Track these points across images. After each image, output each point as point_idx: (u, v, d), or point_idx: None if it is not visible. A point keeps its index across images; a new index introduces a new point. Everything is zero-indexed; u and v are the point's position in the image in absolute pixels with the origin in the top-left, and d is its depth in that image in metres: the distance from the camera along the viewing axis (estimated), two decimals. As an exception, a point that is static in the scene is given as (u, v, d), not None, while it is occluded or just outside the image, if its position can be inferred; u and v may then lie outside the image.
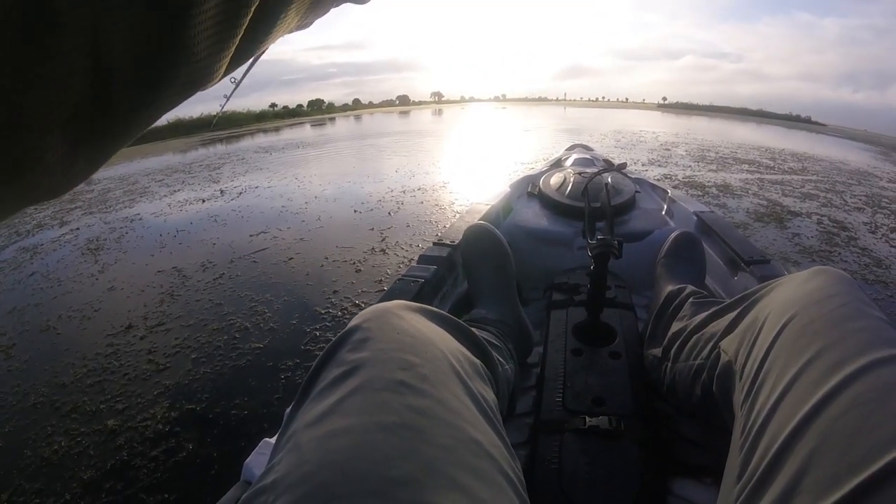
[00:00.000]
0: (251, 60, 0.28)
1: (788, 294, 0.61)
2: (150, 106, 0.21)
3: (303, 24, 0.30)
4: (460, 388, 0.48)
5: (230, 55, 0.24)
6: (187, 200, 7.51)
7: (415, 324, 0.54)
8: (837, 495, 0.37)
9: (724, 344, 0.70)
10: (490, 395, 0.53)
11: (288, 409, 0.78)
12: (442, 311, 0.61)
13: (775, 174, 8.32)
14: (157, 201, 7.82)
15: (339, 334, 0.52)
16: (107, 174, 14.47)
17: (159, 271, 4.29)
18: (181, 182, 9.81)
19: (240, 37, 0.24)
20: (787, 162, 10.40)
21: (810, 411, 0.44)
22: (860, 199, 6.46)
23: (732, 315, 0.72)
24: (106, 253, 5.12)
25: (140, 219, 6.63)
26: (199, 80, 0.23)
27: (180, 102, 0.23)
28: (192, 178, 10.29)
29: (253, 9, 0.23)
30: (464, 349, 0.56)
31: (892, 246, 4.39)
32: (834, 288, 0.58)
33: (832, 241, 4.42)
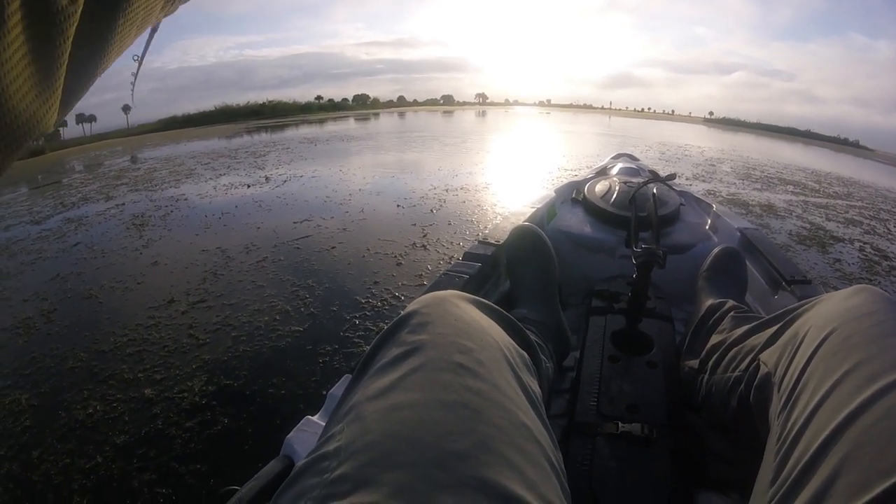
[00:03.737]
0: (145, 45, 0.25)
1: (830, 310, 0.63)
2: None
3: (168, 11, 0.29)
4: (511, 376, 0.50)
5: (59, 90, 0.22)
6: (232, 184, 7.64)
7: (470, 312, 0.56)
8: (866, 498, 0.39)
9: (763, 357, 0.71)
10: (536, 388, 0.54)
11: (330, 390, 0.79)
12: (493, 304, 0.63)
13: (820, 197, 8.14)
14: (203, 183, 7.99)
15: (397, 317, 0.54)
16: (153, 154, 14.88)
17: (203, 250, 4.36)
18: (226, 167, 10.00)
19: (65, 67, 0.21)
20: (833, 186, 10.18)
21: (844, 420, 0.46)
22: (904, 229, 6.27)
23: (773, 329, 0.74)
24: (151, 229, 5.23)
25: (185, 199, 6.77)
26: (28, 132, 0.20)
27: (13, 158, 0.21)
28: (238, 163, 10.49)
29: (70, 38, 0.21)
30: (513, 341, 0.58)
31: (932, 278, 4.25)
32: (874, 305, 0.59)
33: (873, 270, 4.31)
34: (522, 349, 0.58)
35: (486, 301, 0.62)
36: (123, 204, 6.75)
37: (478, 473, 0.36)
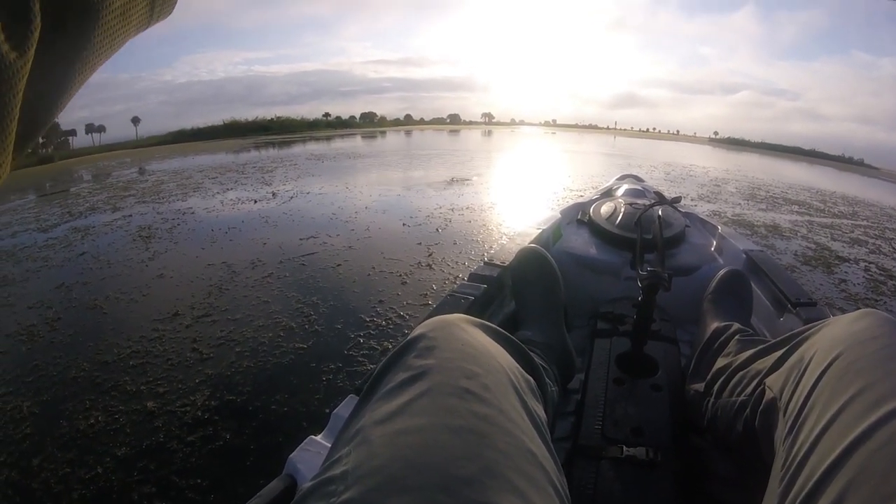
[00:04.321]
0: None
1: (835, 334, 0.63)
2: None
3: (141, 30, 0.29)
4: (517, 400, 0.50)
5: (10, 144, 0.21)
6: (239, 199, 7.67)
7: (476, 337, 0.57)
8: None
9: (769, 381, 0.71)
10: (541, 412, 0.54)
11: (334, 410, 0.79)
12: (499, 328, 0.64)
13: (825, 217, 8.10)
14: (210, 198, 8.03)
15: (403, 341, 0.55)
16: (161, 167, 14.98)
17: (209, 265, 4.36)
18: (234, 181, 10.05)
19: (16, 122, 0.21)
20: (838, 205, 10.14)
21: (849, 445, 0.46)
22: (910, 248, 6.21)
23: (779, 353, 0.73)
24: (157, 242, 5.25)
25: (192, 212, 6.80)
26: None
27: None
28: (245, 178, 10.54)
29: (20, 91, 0.20)
30: (518, 366, 0.58)
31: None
32: (879, 329, 0.59)
33: (879, 290, 4.27)
34: (528, 373, 0.59)
35: (493, 325, 0.63)
36: (130, 215, 6.79)
37: (483, 498, 0.36)
